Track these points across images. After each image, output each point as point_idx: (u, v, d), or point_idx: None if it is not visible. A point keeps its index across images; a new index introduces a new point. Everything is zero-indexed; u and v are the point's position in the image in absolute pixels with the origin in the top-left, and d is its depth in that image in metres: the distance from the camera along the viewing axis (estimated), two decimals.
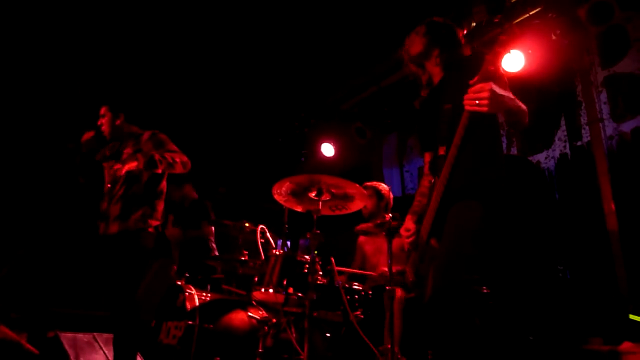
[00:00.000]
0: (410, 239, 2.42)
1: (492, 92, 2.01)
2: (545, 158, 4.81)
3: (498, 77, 2.17)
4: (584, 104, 4.59)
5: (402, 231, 2.48)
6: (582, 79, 4.63)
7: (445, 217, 2.22)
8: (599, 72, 4.52)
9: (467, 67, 2.30)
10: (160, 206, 3.50)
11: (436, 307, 2.12)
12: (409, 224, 2.48)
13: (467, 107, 2.08)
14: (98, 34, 5.23)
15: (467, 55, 2.56)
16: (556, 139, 4.76)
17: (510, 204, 4.33)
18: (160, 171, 3.38)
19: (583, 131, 4.56)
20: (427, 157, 2.61)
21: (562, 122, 4.75)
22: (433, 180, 2.38)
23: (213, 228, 4.91)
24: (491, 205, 2.20)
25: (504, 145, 5.16)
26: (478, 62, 2.17)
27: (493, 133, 2.35)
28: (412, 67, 2.64)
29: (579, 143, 4.58)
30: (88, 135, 3.62)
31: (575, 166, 4.55)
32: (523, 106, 2.21)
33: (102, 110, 3.69)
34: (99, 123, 3.68)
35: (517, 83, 5.00)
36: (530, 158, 4.92)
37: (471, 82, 2.09)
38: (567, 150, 4.65)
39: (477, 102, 2.03)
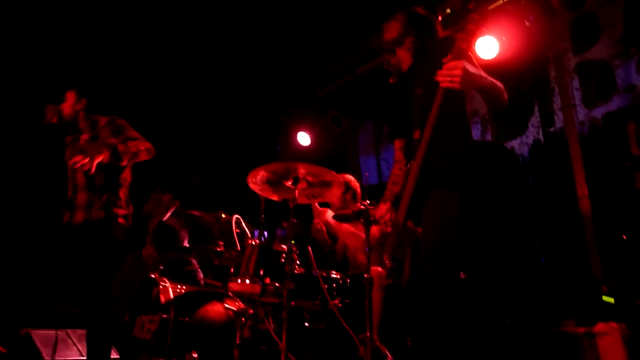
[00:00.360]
0: (387, 221, 2.41)
1: (464, 69, 2.05)
2: (519, 144, 4.86)
3: (470, 56, 2.19)
4: (556, 90, 4.64)
5: (376, 215, 2.47)
6: (555, 65, 4.68)
7: (422, 201, 2.21)
8: (571, 59, 4.56)
9: (438, 49, 2.31)
10: (124, 194, 3.40)
11: (425, 295, 2.14)
12: (382, 209, 2.47)
13: (442, 84, 2.10)
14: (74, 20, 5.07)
15: (438, 40, 2.56)
16: (530, 125, 4.81)
17: (483, 188, 4.37)
18: (125, 163, 3.29)
19: (556, 117, 4.61)
20: (398, 144, 2.62)
21: (536, 109, 4.80)
22: (408, 165, 2.37)
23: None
24: (467, 191, 2.23)
25: (479, 132, 5.19)
26: (450, 43, 2.19)
27: (463, 116, 2.38)
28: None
29: (552, 129, 4.63)
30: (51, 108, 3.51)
31: (548, 152, 4.61)
32: (498, 84, 2.23)
33: (67, 94, 3.58)
34: (61, 106, 3.57)
35: (491, 70, 5.05)
36: (504, 144, 4.96)
37: (444, 60, 2.11)
38: (541, 137, 4.70)
39: (450, 79, 2.06)
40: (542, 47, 4.70)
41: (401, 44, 2.59)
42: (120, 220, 3.30)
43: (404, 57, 2.59)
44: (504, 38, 4.57)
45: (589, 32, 4.45)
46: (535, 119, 4.79)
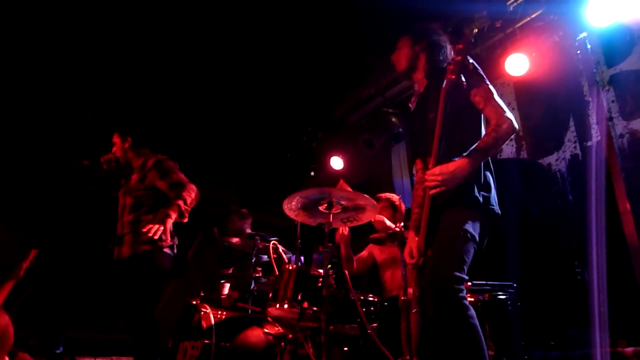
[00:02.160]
0: (414, 261, 2.38)
1: (442, 175, 2.12)
2: (556, 160, 4.77)
3: (464, 87, 2.24)
4: (591, 104, 4.56)
5: (406, 256, 2.46)
6: (587, 78, 4.61)
7: (436, 227, 2.23)
8: (604, 71, 4.49)
9: (443, 77, 2.31)
10: (168, 227, 3.49)
11: (425, 303, 2.14)
12: (412, 243, 2.45)
13: (429, 192, 2.18)
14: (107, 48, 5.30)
15: (448, 63, 2.54)
16: (566, 140, 4.73)
17: (518, 206, 4.30)
18: (186, 220, 3.37)
19: (592, 131, 4.52)
20: (418, 164, 2.62)
21: (571, 123, 4.72)
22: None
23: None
24: (480, 209, 2.25)
25: (514, 150, 5.13)
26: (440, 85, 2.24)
27: (474, 138, 2.34)
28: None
29: (589, 143, 4.53)
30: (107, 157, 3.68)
31: (586, 167, 4.50)
32: (491, 139, 2.22)
33: (114, 138, 3.74)
34: (113, 150, 3.73)
35: (523, 87, 5.04)
36: (540, 161, 4.88)
37: (430, 116, 2.22)
38: (578, 151, 4.61)
39: (434, 184, 2.15)
40: (573, 60, 4.64)
41: (414, 69, 2.60)
42: (166, 250, 3.38)
43: (420, 80, 2.60)
44: (534, 54, 4.55)
45: (622, 43, 4.38)
46: (571, 134, 4.70)
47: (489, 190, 2.31)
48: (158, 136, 4.00)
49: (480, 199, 2.25)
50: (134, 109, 5.79)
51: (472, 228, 2.19)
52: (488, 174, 2.35)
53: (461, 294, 2.07)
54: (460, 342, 2.06)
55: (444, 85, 2.21)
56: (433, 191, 2.16)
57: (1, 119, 5.28)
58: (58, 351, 4.13)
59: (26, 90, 5.38)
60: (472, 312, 2.08)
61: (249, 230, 4.81)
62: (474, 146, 2.22)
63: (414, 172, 2.76)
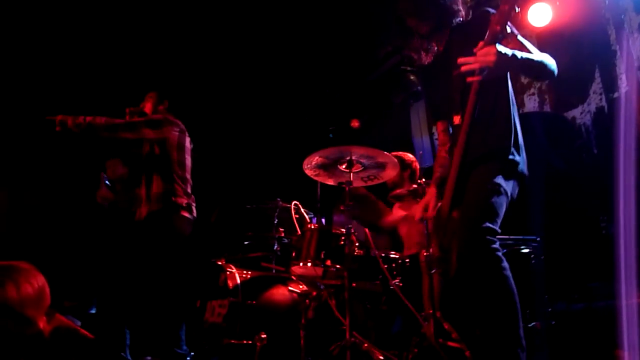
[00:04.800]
0: (430, 214, 2.39)
1: (498, 54, 1.99)
2: (581, 113, 4.65)
3: (508, 36, 2.12)
4: (618, 53, 4.39)
5: (419, 210, 2.46)
6: (615, 26, 4.42)
7: (465, 187, 2.20)
8: (633, 18, 4.30)
9: (473, 29, 2.24)
10: (181, 185, 3.54)
11: (463, 260, 2.12)
12: (429, 197, 2.45)
13: (472, 78, 2.05)
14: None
15: (473, 16, 2.44)
16: (591, 92, 4.59)
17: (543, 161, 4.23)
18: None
19: (620, 81, 4.37)
20: (440, 126, 2.57)
21: (597, 75, 4.57)
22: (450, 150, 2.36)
23: None
24: (509, 165, 2.20)
25: (537, 104, 5.01)
26: (484, 23, 2.11)
27: (505, 97, 2.28)
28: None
29: (615, 94, 4.40)
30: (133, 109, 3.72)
31: (612, 119, 4.38)
32: (538, 57, 2.14)
33: (149, 95, 3.79)
34: (141, 106, 3.78)
35: (546, 38, 4.87)
36: (565, 114, 4.77)
37: (475, 49, 2.05)
38: (604, 103, 4.48)
39: (482, 65, 2.01)
40: (599, 7, 4.45)
41: (433, 34, 2.42)
42: (184, 213, 3.46)
43: (438, 37, 2.44)
44: (557, 2, 4.38)
45: None
46: (597, 86, 4.56)
47: (520, 151, 2.26)
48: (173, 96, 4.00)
49: (515, 158, 2.21)
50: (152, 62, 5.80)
51: (505, 184, 2.16)
52: (520, 133, 2.30)
53: (495, 245, 2.06)
54: (494, 294, 2.05)
55: (486, 37, 2.05)
56: (477, 77, 2.04)
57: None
58: (92, 312, 4.30)
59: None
60: (506, 264, 2.07)
61: None
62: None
63: (435, 133, 2.70)
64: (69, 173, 5.80)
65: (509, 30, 2.09)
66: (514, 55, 2.06)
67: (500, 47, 2.02)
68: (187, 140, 3.70)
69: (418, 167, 4.06)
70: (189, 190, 3.61)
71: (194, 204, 3.60)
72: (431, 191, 2.48)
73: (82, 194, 4.63)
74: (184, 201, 3.48)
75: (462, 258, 2.12)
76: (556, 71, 2.19)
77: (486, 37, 2.04)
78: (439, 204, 2.35)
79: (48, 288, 2.04)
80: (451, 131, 2.43)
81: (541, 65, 2.16)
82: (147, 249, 3.32)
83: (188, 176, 3.64)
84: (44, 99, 5.37)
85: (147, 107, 3.76)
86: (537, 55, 2.16)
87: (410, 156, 4.09)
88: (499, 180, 2.14)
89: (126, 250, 3.33)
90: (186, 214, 3.48)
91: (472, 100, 2.11)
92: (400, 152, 4.11)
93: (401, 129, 6.67)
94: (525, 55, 2.11)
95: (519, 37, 2.23)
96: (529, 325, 2.99)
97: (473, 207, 2.14)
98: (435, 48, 2.44)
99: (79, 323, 4.35)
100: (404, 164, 3.94)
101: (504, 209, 2.15)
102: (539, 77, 2.24)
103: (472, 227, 2.09)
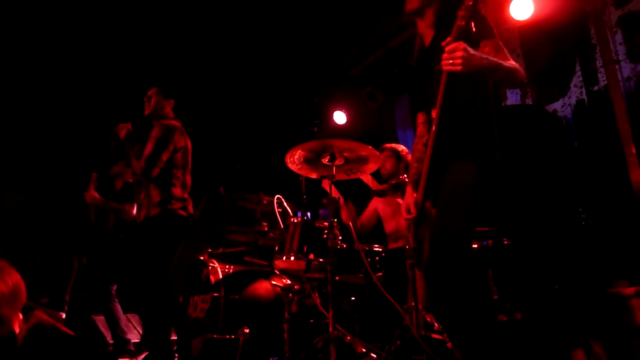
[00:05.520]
0: (411, 217, 2.39)
1: (465, 51, 1.97)
2: (562, 106, 4.69)
3: (473, 33, 2.11)
4: (598, 47, 4.44)
5: (402, 210, 2.46)
6: (595, 20, 4.46)
7: (439, 179, 2.21)
8: (612, 12, 4.35)
9: (451, 25, 2.24)
10: (176, 189, 3.53)
11: (434, 259, 2.15)
12: (409, 198, 2.45)
13: (444, 67, 2.04)
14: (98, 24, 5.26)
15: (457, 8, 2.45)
16: (572, 85, 4.64)
17: (523, 153, 4.27)
18: None
19: (599, 75, 4.42)
20: (420, 117, 2.59)
21: (577, 68, 4.61)
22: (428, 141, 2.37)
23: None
24: (485, 161, 2.22)
25: (518, 97, 5.05)
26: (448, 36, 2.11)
27: (481, 90, 2.29)
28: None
29: (595, 88, 4.45)
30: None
31: (593, 112, 4.44)
32: (506, 64, 2.15)
33: (152, 91, 3.74)
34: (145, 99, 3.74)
35: (528, 32, 4.90)
36: (546, 107, 4.81)
37: (443, 43, 2.04)
38: (584, 96, 4.53)
39: (450, 62, 1.99)
40: (580, 2, 4.49)
41: (422, 14, 2.47)
42: (180, 212, 3.45)
43: (425, 31, 2.49)
44: None
45: None
46: (577, 79, 4.61)
47: (496, 145, 2.28)
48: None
49: (490, 152, 2.23)
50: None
51: (480, 181, 2.18)
52: (493, 126, 2.31)
53: (467, 245, 2.09)
54: (467, 288, 2.09)
55: (452, 33, 2.06)
56: (448, 68, 2.02)
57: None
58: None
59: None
60: (479, 260, 2.11)
61: None
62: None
63: (416, 125, 2.70)
64: (69, 173, 5.76)
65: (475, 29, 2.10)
66: (480, 57, 2.06)
67: (467, 46, 2.01)
68: (188, 141, 3.70)
69: (410, 158, 4.09)
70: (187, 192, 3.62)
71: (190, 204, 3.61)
72: (409, 191, 2.49)
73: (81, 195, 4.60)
74: (179, 205, 3.48)
75: (435, 259, 2.14)
76: (523, 82, 2.20)
77: (452, 32, 2.04)
78: (417, 199, 2.36)
79: (23, 285, 2.00)
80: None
81: (509, 71, 2.17)
82: (147, 249, 3.36)
83: (188, 178, 3.64)
84: (44, 99, 5.33)
85: (152, 104, 3.71)
86: (507, 63, 2.17)
87: (403, 147, 4.13)
88: (474, 179, 2.17)
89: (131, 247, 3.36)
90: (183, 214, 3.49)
91: (441, 91, 2.13)
92: (393, 144, 4.14)
93: (387, 124, 6.68)
94: (492, 59, 2.11)
95: (498, 41, 2.24)
96: (510, 316, 3.02)
97: (447, 212, 2.16)
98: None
99: (64, 316, 4.32)
100: (399, 156, 4.00)
101: (478, 209, 2.17)
102: (506, 83, 2.24)
103: (445, 233, 2.11)
